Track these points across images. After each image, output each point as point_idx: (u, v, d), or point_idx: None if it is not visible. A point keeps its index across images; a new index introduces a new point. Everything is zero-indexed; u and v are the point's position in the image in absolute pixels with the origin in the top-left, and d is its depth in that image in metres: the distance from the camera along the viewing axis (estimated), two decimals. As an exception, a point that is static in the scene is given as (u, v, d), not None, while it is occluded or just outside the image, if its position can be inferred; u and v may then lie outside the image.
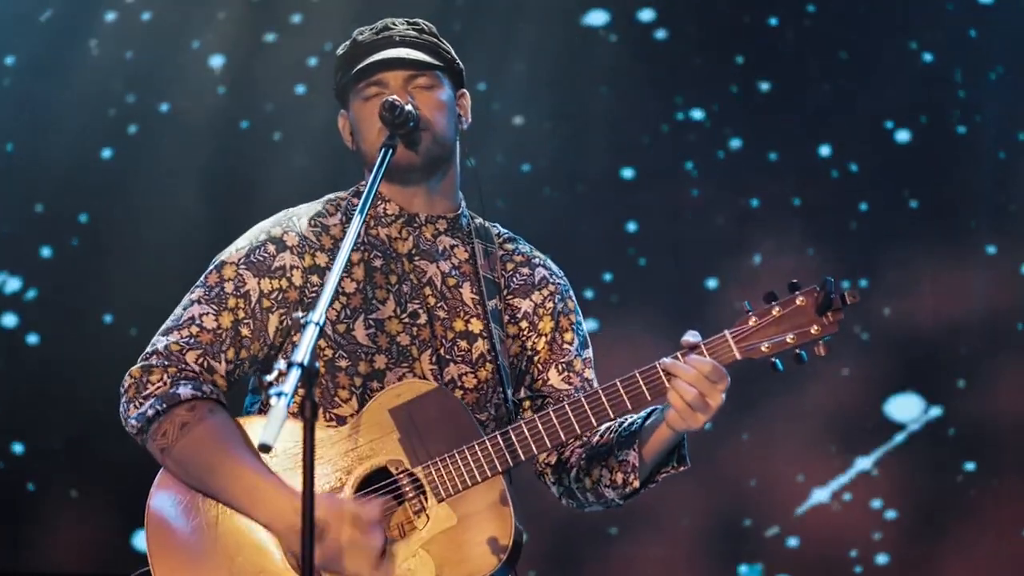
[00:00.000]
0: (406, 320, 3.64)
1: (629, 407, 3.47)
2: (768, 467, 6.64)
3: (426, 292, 3.67)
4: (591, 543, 6.69)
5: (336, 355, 3.60)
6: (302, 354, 2.97)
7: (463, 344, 3.66)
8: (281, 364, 2.96)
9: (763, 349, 3.42)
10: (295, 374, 2.94)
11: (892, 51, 6.65)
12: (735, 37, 6.77)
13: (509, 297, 3.75)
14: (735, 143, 6.73)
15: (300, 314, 3.59)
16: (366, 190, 3.47)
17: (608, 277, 6.70)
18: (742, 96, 6.73)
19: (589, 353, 3.80)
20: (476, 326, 3.67)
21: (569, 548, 6.71)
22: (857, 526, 6.59)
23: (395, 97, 3.57)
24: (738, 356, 3.43)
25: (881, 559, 6.59)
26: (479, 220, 3.82)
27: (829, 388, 6.61)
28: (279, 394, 2.90)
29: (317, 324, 3.07)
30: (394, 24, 3.74)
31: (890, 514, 6.59)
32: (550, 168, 6.83)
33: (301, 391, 2.93)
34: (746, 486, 6.65)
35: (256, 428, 3.51)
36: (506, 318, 3.72)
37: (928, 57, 6.64)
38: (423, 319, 3.64)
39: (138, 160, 6.96)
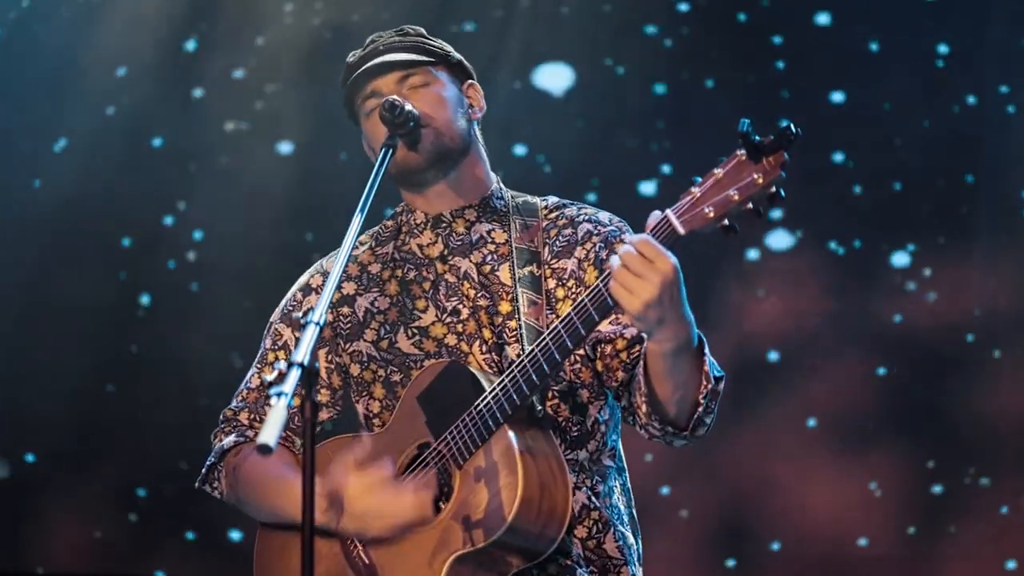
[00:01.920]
0: (448, 320, 3.65)
1: (595, 317, 3.29)
2: (768, 465, 6.63)
3: (465, 287, 3.65)
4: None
5: (388, 371, 3.66)
6: (302, 354, 2.99)
7: (512, 324, 3.61)
8: (282, 364, 2.98)
9: (707, 215, 3.12)
10: (295, 374, 2.96)
11: (895, 52, 6.66)
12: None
13: (553, 261, 3.65)
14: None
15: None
16: (367, 187, 3.47)
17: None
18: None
19: None
20: (514, 303, 3.64)
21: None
22: (857, 525, 6.58)
23: (395, 97, 3.58)
24: (682, 231, 3.15)
25: (881, 559, 6.59)
26: (524, 198, 3.77)
27: (829, 387, 6.61)
28: (279, 394, 2.92)
29: (317, 324, 3.08)
30: (379, 36, 3.75)
31: (890, 514, 6.59)
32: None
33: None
34: (746, 483, 6.64)
35: (325, 446, 3.64)
36: (552, 283, 3.63)
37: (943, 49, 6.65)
38: (465, 313, 3.64)
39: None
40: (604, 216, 3.72)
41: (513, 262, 3.65)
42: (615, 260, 3.20)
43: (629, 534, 3.64)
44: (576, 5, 6.78)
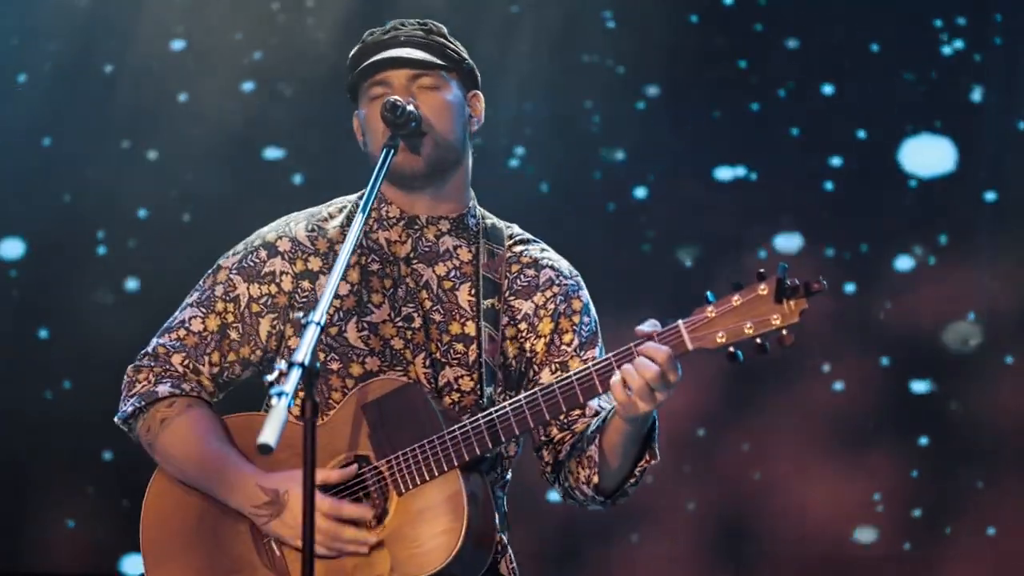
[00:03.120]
0: (400, 324, 3.64)
1: (580, 399, 3.41)
2: (769, 465, 6.63)
3: (422, 296, 3.65)
4: (591, 540, 6.69)
5: (328, 358, 3.62)
6: (303, 354, 2.99)
7: (459, 347, 3.64)
8: (282, 364, 2.98)
9: (719, 340, 3.26)
10: (296, 374, 2.96)
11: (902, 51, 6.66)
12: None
13: (511, 298, 3.71)
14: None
15: (300, 314, 3.62)
16: (367, 190, 3.48)
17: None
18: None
19: (593, 353, 3.72)
20: (471, 329, 3.65)
21: (569, 545, 6.71)
22: (857, 525, 6.58)
23: (396, 97, 3.56)
24: (690, 347, 3.29)
25: (881, 559, 6.59)
26: (492, 220, 3.79)
27: (830, 387, 6.60)
28: (280, 394, 2.93)
29: (318, 324, 3.09)
30: (403, 24, 3.73)
31: (891, 514, 6.59)
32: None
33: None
34: (747, 484, 6.64)
35: (242, 424, 3.61)
36: (504, 319, 3.68)
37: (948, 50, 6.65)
38: (417, 323, 3.64)
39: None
40: (565, 266, 3.78)
41: (478, 288, 3.67)
42: (630, 373, 3.30)
43: (511, 560, 3.70)
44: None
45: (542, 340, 3.71)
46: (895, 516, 6.59)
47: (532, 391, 3.44)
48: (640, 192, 6.74)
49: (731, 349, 3.26)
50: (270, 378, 2.97)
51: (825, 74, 6.67)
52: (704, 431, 6.53)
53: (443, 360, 3.63)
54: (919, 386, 6.58)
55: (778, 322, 3.23)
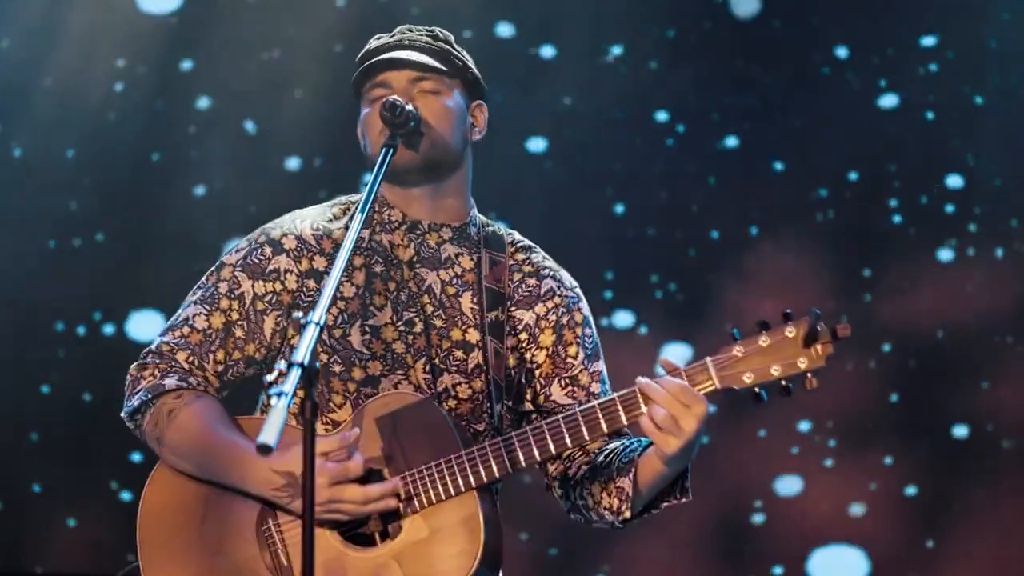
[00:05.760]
0: (402, 328, 3.63)
1: (604, 429, 3.41)
2: (769, 466, 6.64)
3: (424, 300, 3.65)
4: (593, 544, 6.69)
5: (331, 360, 3.61)
6: (302, 354, 2.99)
7: (459, 354, 3.64)
8: (281, 364, 2.98)
9: (745, 380, 3.30)
10: (295, 374, 2.96)
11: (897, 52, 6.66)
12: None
13: (512, 308, 3.71)
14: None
15: (300, 314, 3.61)
16: (367, 189, 3.47)
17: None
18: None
19: (599, 366, 3.73)
20: (473, 336, 3.65)
21: (569, 545, 6.71)
22: (858, 525, 6.59)
23: (396, 97, 3.57)
24: (718, 385, 3.33)
25: (881, 559, 6.59)
26: (492, 228, 3.78)
27: (831, 388, 6.60)
28: (279, 394, 2.92)
29: (317, 324, 3.08)
30: (410, 30, 3.74)
31: (891, 514, 6.59)
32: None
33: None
34: (746, 485, 6.65)
35: (255, 426, 3.56)
36: (507, 329, 3.69)
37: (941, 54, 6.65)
38: (419, 327, 3.63)
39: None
40: (566, 277, 3.78)
41: (482, 300, 3.67)
42: (657, 409, 3.32)
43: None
44: None
45: (544, 352, 3.71)
46: (896, 515, 6.59)
47: (554, 418, 3.45)
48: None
49: (756, 390, 3.30)
50: (269, 378, 2.97)
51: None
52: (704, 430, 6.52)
53: (442, 366, 3.63)
54: (919, 386, 6.59)
55: (804, 366, 3.27)
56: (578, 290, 3.79)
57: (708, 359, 3.33)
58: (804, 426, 6.62)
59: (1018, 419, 6.50)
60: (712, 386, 3.33)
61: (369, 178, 3.51)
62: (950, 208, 6.61)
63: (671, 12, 6.77)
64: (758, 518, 6.65)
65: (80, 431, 6.85)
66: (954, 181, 6.61)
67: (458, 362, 3.64)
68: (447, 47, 3.72)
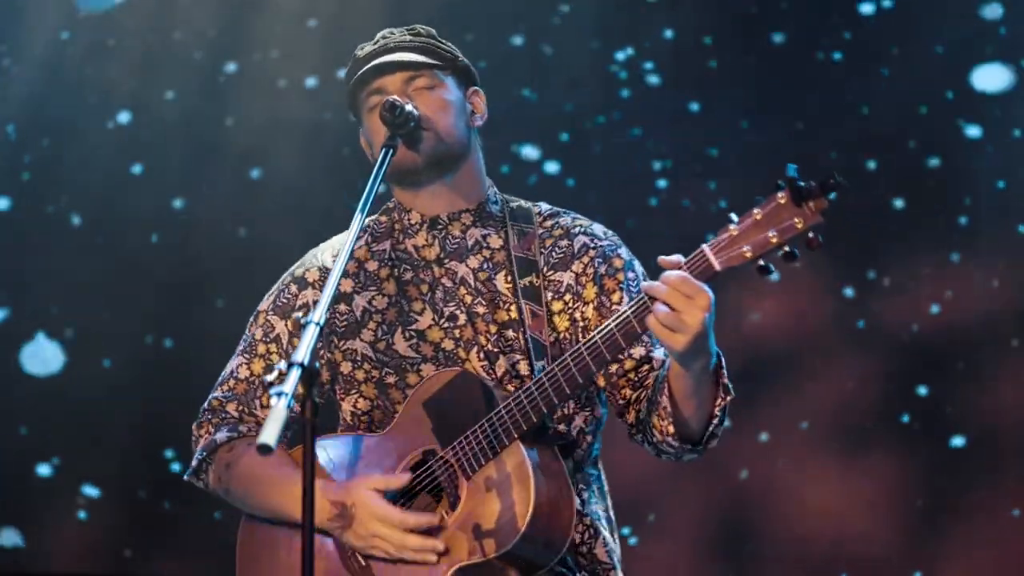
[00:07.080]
0: (446, 325, 3.65)
1: (623, 344, 3.33)
2: (768, 466, 6.63)
3: (461, 292, 3.66)
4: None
5: (384, 373, 3.65)
6: (302, 354, 3.00)
7: (508, 334, 3.63)
8: (282, 364, 2.99)
9: (745, 254, 3.17)
10: (295, 374, 2.96)
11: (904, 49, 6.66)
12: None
13: (550, 273, 3.68)
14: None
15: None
16: (367, 187, 3.47)
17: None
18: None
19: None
20: (516, 313, 3.65)
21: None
22: (858, 525, 6.58)
23: (395, 97, 3.58)
24: (718, 268, 3.20)
25: (882, 558, 6.59)
26: (517, 203, 3.78)
27: (830, 388, 6.60)
28: (279, 394, 2.93)
29: (317, 324, 3.09)
30: (391, 33, 3.76)
31: (891, 513, 6.58)
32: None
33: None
34: (747, 484, 6.64)
35: (325, 445, 3.63)
36: (549, 295, 3.65)
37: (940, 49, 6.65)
38: (462, 319, 3.65)
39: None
40: (599, 229, 3.76)
41: (513, 271, 3.66)
42: (659, 307, 3.22)
43: (612, 539, 3.68)
44: None
45: (590, 306, 3.67)
46: (896, 515, 6.58)
47: (576, 349, 3.38)
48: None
49: (760, 263, 3.19)
50: (269, 378, 2.97)
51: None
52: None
53: (496, 350, 3.63)
54: (919, 386, 6.58)
55: (801, 225, 3.14)
56: (613, 236, 3.76)
57: (704, 246, 3.23)
58: (804, 426, 6.62)
59: (1019, 420, 6.50)
60: (713, 270, 3.21)
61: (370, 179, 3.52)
62: (955, 209, 6.61)
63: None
64: (758, 518, 6.65)
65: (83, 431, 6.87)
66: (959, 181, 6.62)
67: (510, 341, 3.63)
68: (432, 41, 3.74)
